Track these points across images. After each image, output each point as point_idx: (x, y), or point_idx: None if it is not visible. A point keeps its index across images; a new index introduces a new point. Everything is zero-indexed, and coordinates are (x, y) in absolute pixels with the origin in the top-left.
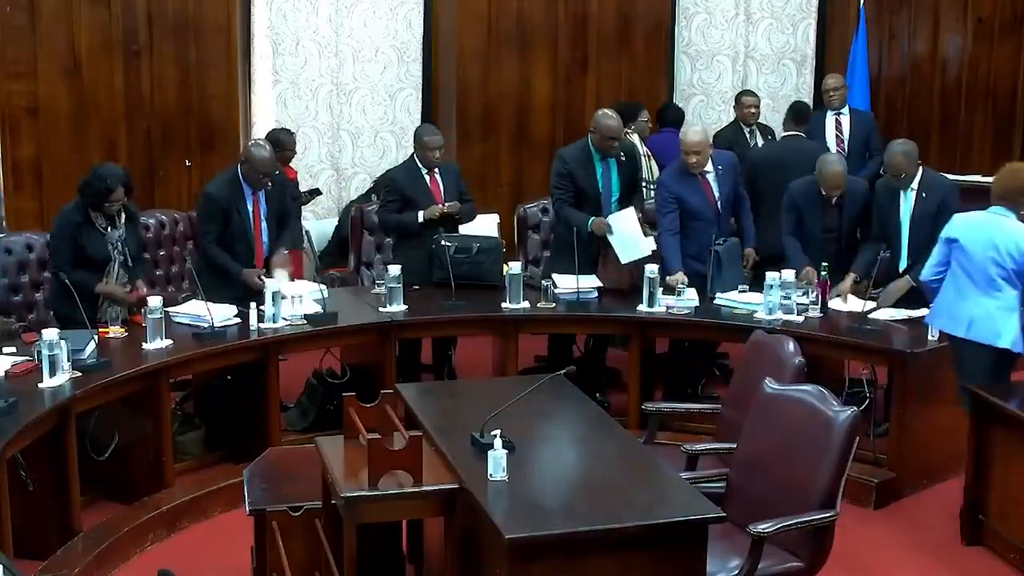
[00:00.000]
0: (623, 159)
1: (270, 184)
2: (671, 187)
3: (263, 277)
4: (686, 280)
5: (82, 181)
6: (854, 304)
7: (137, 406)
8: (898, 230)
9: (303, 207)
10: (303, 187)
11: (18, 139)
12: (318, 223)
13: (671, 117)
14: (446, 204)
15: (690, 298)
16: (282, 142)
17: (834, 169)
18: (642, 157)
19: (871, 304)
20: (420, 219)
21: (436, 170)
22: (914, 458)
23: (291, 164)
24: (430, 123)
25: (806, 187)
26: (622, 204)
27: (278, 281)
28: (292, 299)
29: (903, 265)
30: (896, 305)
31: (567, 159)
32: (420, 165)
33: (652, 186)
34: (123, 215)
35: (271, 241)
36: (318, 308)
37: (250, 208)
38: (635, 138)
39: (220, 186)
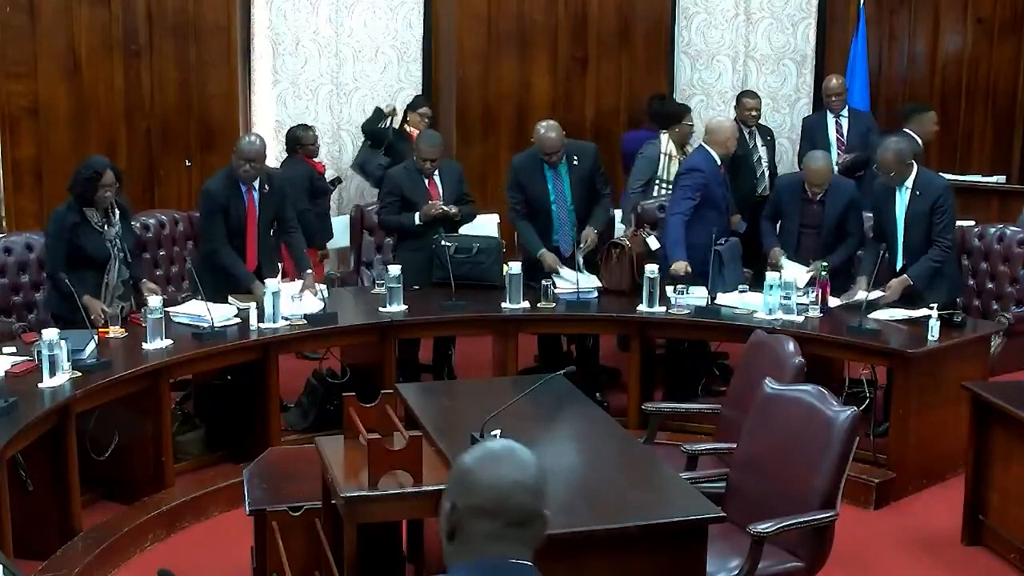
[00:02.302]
0: (575, 163)
1: (267, 187)
2: (708, 174)
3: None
4: (690, 269)
5: (71, 178)
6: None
7: (137, 406)
8: (894, 229)
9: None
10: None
11: (18, 139)
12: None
13: (654, 111)
14: (444, 207)
15: (699, 295)
16: (300, 138)
17: (819, 165)
18: (662, 155)
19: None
20: (417, 220)
21: (436, 172)
22: (914, 458)
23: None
24: (435, 130)
25: (792, 182)
26: (580, 209)
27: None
28: (293, 298)
29: (899, 264)
30: (896, 305)
31: (516, 168)
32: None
33: (668, 186)
34: (116, 212)
35: (262, 245)
36: (318, 307)
37: (246, 206)
38: (664, 138)
39: (218, 182)
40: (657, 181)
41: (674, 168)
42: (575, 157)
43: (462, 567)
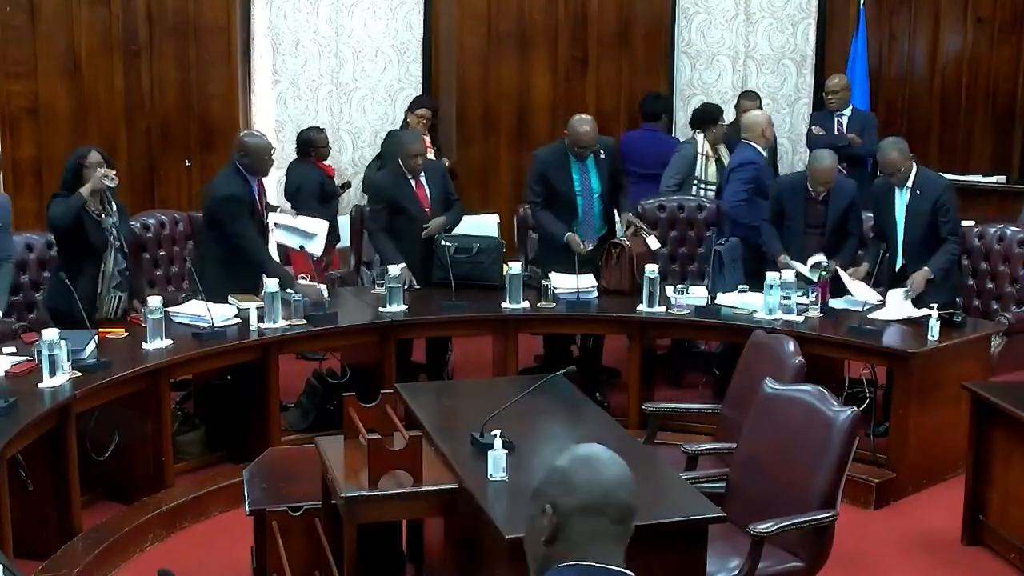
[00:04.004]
0: (602, 156)
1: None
2: (760, 166)
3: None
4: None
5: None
6: (862, 289)
7: (137, 406)
8: (894, 228)
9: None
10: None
11: (18, 139)
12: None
13: (649, 110)
14: (428, 226)
15: (699, 295)
16: (313, 141)
17: (824, 165)
18: (699, 156)
19: (877, 297)
20: (399, 267)
21: (422, 175)
22: (914, 458)
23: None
24: (412, 128)
25: (792, 182)
26: (605, 201)
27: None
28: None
29: (899, 263)
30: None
31: (542, 161)
32: (406, 171)
33: (705, 186)
34: (114, 204)
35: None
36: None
37: (258, 200)
38: (699, 139)
39: (237, 185)
40: (695, 182)
41: (712, 168)
42: (601, 151)
43: (566, 568)
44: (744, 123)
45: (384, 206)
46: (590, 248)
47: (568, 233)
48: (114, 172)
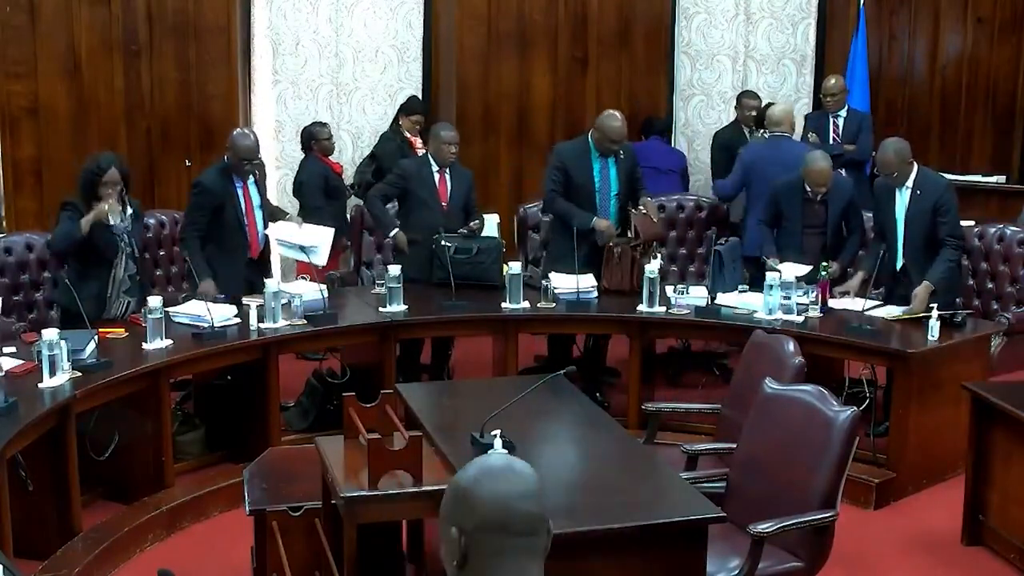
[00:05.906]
0: (622, 157)
1: (257, 173)
2: None
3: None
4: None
5: (80, 175)
6: (856, 303)
7: (137, 406)
8: (894, 228)
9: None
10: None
11: (18, 139)
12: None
13: (658, 127)
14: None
15: (699, 295)
16: (315, 134)
17: (821, 166)
18: None
19: (872, 302)
20: (391, 235)
21: (447, 170)
22: (914, 458)
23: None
24: (447, 122)
25: (790, 184)
26: (622, 202)
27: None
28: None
29: (899, 263)
30: (898, 304)
31: (563, 154)
32: (433, 162)
33: None
34: (129, 208)
35: (264, 230)
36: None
37: (242, 198)
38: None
39: (213, 176)
40: None
41: None
42: (620, 152)
43: None
44: (776, 117)
45: (400, 185)
46: (617, 233)
47: (596, 218)
48: (120, 208)
